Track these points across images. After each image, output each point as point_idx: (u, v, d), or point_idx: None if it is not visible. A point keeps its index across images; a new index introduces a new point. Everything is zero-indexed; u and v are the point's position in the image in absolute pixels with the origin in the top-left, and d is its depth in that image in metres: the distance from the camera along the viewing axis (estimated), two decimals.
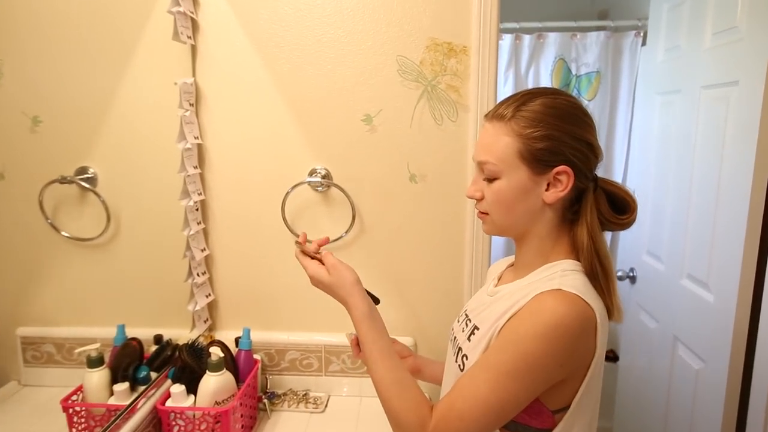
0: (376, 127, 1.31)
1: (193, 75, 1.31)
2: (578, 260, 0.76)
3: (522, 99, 0.76)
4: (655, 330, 1.79)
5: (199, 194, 1.33)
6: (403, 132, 1.31)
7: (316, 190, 1.34)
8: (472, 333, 0.79)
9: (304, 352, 1.41)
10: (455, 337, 0.86)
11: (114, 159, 1.08)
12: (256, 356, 1.37)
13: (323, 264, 0.86)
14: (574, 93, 2.28)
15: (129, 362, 1.10)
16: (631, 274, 2.00)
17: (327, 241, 0.91)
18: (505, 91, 2.26)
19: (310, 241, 0.93)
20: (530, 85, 2.30)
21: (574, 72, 2.26)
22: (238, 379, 1.23)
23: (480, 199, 0.80)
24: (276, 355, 1.42)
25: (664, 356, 1.71)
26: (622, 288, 2.19)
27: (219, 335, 1.41)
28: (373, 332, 0.80)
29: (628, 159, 2.28)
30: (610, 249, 2.40)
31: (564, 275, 0.73)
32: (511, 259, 0.91)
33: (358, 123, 1.31)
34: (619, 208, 0.78)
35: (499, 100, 0.83)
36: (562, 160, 0.74)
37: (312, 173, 1.33)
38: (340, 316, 1.40)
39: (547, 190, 0.75)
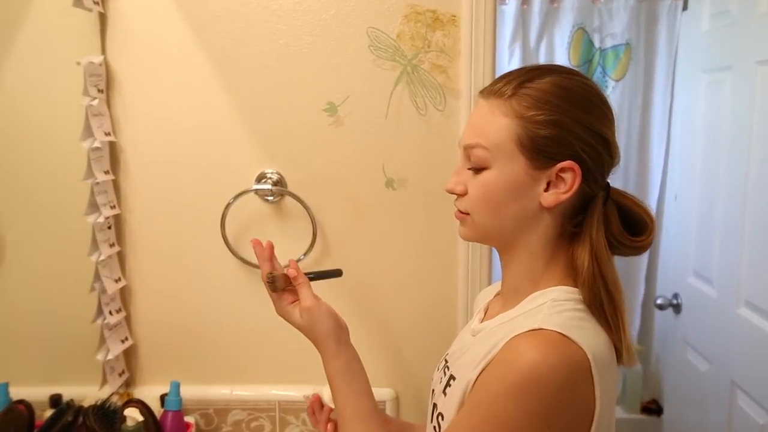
0: (342, 119, 1.30)
1: (103, 52, 1.29)
2: (575, 286, 0.76)
3: (528, 74, 0.76)
4: (708, 373, 1.79)
5: (112, 207, 1.31)
6: (376, 125, 1.31)
7: (266, 200, 1.33)
8: (448, 385, 0.80)
9: (252, 412, 1.39)
10: (433, 390, 0.87)
11: None
12: (189, 419, 1.35)
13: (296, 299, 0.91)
14: (598, 71, 2.29)
15: None
16: (674, 301, 2.00)
17: (296, 270, 0.93)
18: (498, 70, 2.27)
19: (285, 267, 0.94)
20: (542, 63, 2.31)
21: (597, 45, 2.28)
22: None
23: (461, 194, 0.80)
24: (215, 416, 1.39)
25: (719, 407, 1.71)
26: (664, 319, 2.19)
27: (139, 393, 1.38)
28: (347, 390, 0.84)
29: (668, 156, 2.29)
30: (648, 269, 2.42)
31: (552, 308, 0.73)
32: (497, 288, 0.91)
33: (318, 114, 1.30)
34: (632, 227, 0.78)
35: None
36: (569, 155, 0.74)
37: (261, 179, 1.32)
38: (300, 363, 1.39)
39: (546, 190, 0.76)
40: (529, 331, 0.69)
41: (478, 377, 0.72)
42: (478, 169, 0.77)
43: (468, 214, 0.80)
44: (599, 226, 0.76)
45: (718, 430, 1.71)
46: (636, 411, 2.51)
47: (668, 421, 2.12)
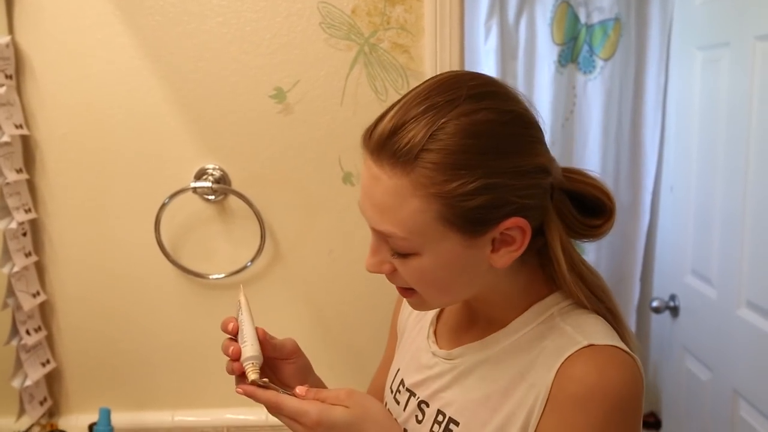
0: (292, 106, 1.29)
1: (10, 32, 1.25)
2: (559, 289, 0.77)
3: (425, 122, 0.66)
4: (709, 383, 1.80)
5: (27, 211, 1.28)
6: (331, 112, 1.30)
7: (207, 199, 1.32)
8: (448, 430, 0.77)
9: None
10: (405, 430, 0.83)
11: None
12: None
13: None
14: (584, 50, 2.30)
15: None
16: (671, 303, 2.01)
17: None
18: (487, 50, 2.27)
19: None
20: (522, 43, 2.32)
21: (583, 20, 2.28)
22: None
23: (392, 273, 0.75)
24: None
25: (722, 419, 1.72)
26: (661, 323, 2.20)
27: (64, 423, 1.36)
28: None
29: (663, 143, 2.30)
30: (644, 269, 2.43)
31: (568, 317, 0.74)
32: None
33: (264, 101, 1.29)
34: (589, 209, 0.76)
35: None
36: (511, 211, 0.69)
37: (201, 176, 1.31)
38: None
39: (494, 251, 0.71)
40: (579, 351, 0.69)
41: (537, 425, 0.70)
42: (403, 255, 0.71)
43: (412, 289, 0.75)
44: (564, 241, 0.74)
45: None
46: None
47: None
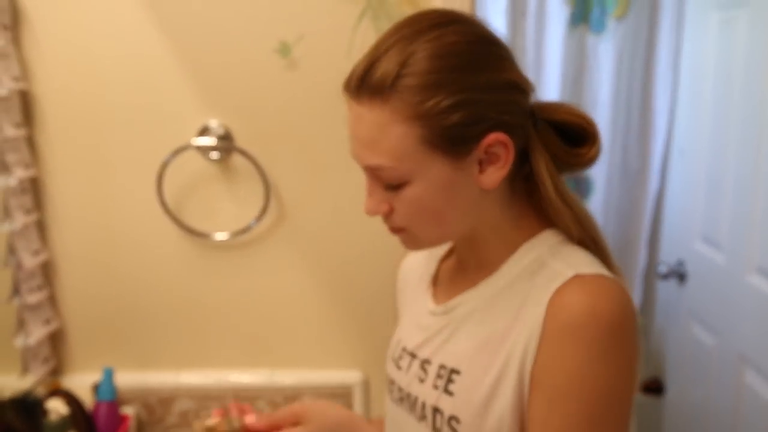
0: (297, 61, 1.27)
1: None
2: (553, 226, 0.79)
3: (392, 56, 0.70)
4: (715, 348, 1.80)
5: (27, 167, 1.27)
6: (337, 67, 1.22)
7: (210, 158, 1.30)
8: (450, 381, 0.77)
9: (202, 401, 1.39)
10: (409, 394, 0.83)
11: None
12: (129, 410, 1.34)
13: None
14: (596, 10, 2.25)
15: None
16: (679, 269, 2.00)
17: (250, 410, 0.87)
18: (496, 8, 2.22)
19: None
20: (533, 1, 2.27)
21: None
22: None
23: (389, 214, 0.77)
24: (158, 406, 1.39)
25: (727, 384, 1.73)
26: (667, 289, 2.20)
27: (68, 381, 1.36)
28: None
29: (674, 105, 2.27)
30: (651, 233, 2.42)
31: (558, 252, 0.76)
32: (440, 252, 0.91)
33: (269, 55, 1.27)
34: (573, 139, 0.78)
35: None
36: (489, 127, 0.71)
37: (203, 133, 1.29)
38: (255, 344, 1.37)
39: (481, 172, 0.74)
40: (567, 282, 0.71)
41: (533, 365, 0.71)
42: (396, 186, 0.74)
43: (404, 229, 0.78)
44: (548, 164, 0.76)
45: (724, 410, 1.73)
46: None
47: (671, 401, 2.14)
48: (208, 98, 1.29)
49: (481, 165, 0.73)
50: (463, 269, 0.84)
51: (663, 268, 2.04)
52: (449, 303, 0.82)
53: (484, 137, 0.71)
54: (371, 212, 0.77)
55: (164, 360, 1.39)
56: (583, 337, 0.68)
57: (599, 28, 2.26)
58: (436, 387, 0.78)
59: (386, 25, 1.24)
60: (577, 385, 0.68)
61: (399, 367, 0.86)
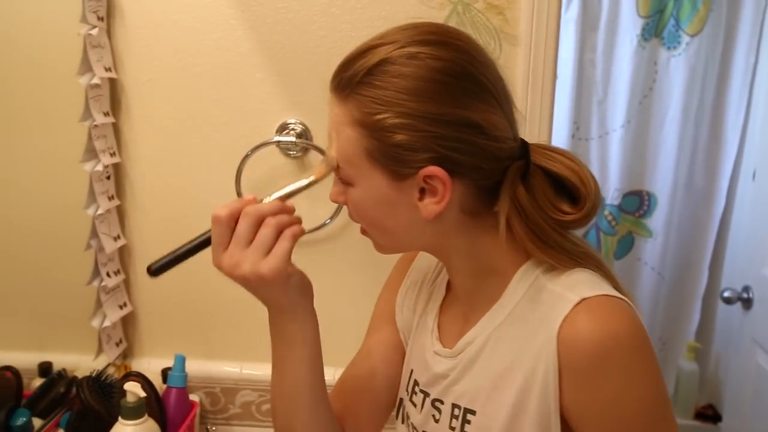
0: None
1: None
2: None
3: (371, 57, 0.71)
4: None
5: (112, 155, 1.30)
6: None
7: (288, 154, 1.32)
8: (466, 421, 0.78)
9: (264, 393, 1.40)
10: (417, 428, 0.85)
11: None
12: (193, 397, 1.36)
13: None
14: (670, 24, 2.23)
15: (0, 402, 1.07)
16: (744, 295, 1.96)
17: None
18: (567, 19, 2.21)
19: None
20: (605, 13, 2.26)
21: None
22: (166, 431, 1.20)
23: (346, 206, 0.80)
24: (222, 396, 1.40)
25: None
26: (729, 315, 2.16)
27: (137, 365, 1.39)
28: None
29: (746, 126, 2.23)
30: (714, 257, 2.38)
31: (553, 277, 0.74)
32: (445, 278, 0.90)
33: None
34: (568, 194, 0.75)
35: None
36: (431, 159, 0.70)
37: (282, 130, 1.30)
38: (321, 340, 1.38)
39: (420, 199, 0.73)
40: (573, 309, 0.69)
41: (560, 397, 0.70)
42: (346, 184, 0.76)
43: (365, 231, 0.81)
44: (522, 203, 0.72)
45: None
46: (689, 416, 2.50)
47: (727, 429, 2.10)
48: (289, 96, 1.30)
49: (421, 193, 0.72)
50: (462, 304, 0.84)
51: (727, 293, 2.00)
52: (456, 347, 0.81)
53: (424, 167, 0.70)
54: (332, 198, 0.80)
55: (230, 351, 1.40)
56: (613, 366, 0.68)
57: (672, 43, 2.24)
58: (452, 428, 0.79)
59: (470, 32, 1.25)
60: (628, 414, 0.69)
61: (413, 403, 0.87)
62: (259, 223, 0.74)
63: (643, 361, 0.69)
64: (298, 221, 0.77)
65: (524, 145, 0.76)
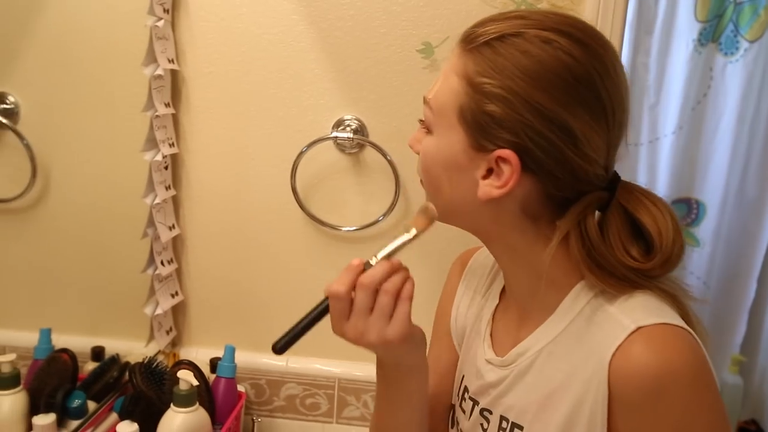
0: (439, 63, 1.27)
1: None
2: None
3: (507, 26, 0.70)
4: None
5: (171, 145, 1.32)
6: None
7: (344, 151, 1.32)
8: None
9: (308, 387, 1.41)
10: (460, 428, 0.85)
11: (45, 86, 1.05)
12: (240, 388, 1.37)
13: None
14: (729, 29, 2.17)
15: (57, 384, 1.09)
16: None
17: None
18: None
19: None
20: (661, 16, 2.22)
21: None
22: (214, 421, 1.21)
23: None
24: (267, 388, 1.42)
25: None
26: None
27: (185, 353, 1.41)
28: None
29: None
30: (764, 268, 2.33)
31: (618, 297, 0.71)
32: (499, 286, 0.89)
33: (412, 55, 1.28)
34: (643, 241, 0.72)
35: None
36: (512, 142, 0.69)
37: (339, 126, 1.31)
38: None
39: (484, 178, 0.72)
40: (628, 338, 0.66)
41: (609, 426, 0.68)
42: (426, 130, 0.76)
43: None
44: (575, 229, 0.70)
45: None
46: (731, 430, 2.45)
47: None
48: (347, 92, 1.30)
49: (488, 172, 0.71)
50: (517, 311, 0.82)
51: None
52: (508, 356, 0.79)
53: (502, 148, 0.69)
54: (410, 142, 0.80)
55: None
56: (669, 403, 0.65)
57: (730, 49, 2.19)
58: None
59: None
60: None
61: (463, 410, 0.86)
62: (375, 291, 0.73)
63: (702, 398, 0.66)
64: (407, 275, 0.75)
65: (614, 179, 0.73)
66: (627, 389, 0.65)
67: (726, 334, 2.42)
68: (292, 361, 1.41)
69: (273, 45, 1.30)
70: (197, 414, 1.13)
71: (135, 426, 1.09)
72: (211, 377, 1.29)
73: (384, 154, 1.29)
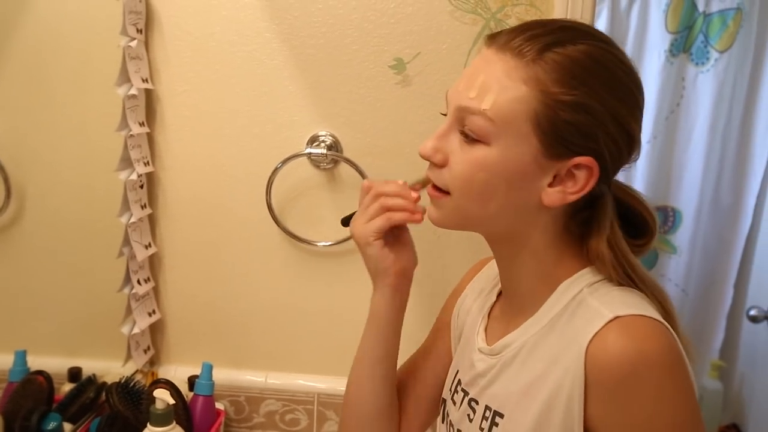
0: (411, 78, 1.28)
1: None
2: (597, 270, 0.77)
3: (555, 34, 0.70)
4: None
5: (146, 164, 1.32)
6: (450, 85, 1.24)
7: (319, 166, 1.33)
8: (494, 423, 0.78)
9: (287, 403, 1.41)
10: (459, 431, 0.85)
11: (19, 106, 1.06)
12: (219, 405, 1.37)
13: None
14: (699, 39, 2.22)
15: (32, 407, 1.09)
16: None
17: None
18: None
19: None
20: (633, 29, 2.25)
21: (701, 9, 2.19)
22: None
23: (440, 166, 0.76)
24: (246, 405, 1.42)
25: None
26: (754, 333, 2.14)
27: (164, 372, 1.40)
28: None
29: None
30: (740, 274, 2.36)
31: (596, 291, 0.74)
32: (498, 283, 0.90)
33: (383, 70, 1.29)
34: (632, 228, 0.78)
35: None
36: (591, 149, 0.70)
37: (313, 142, 1.32)
38: (343, 353, 1.38)
39: (551, 185, 0.72)
40: (605, 326, 0.68)
41: (585, 412, 0.70)
42: (472, 140, 0.72)
43: (448, 193, 0.75)
44: (613, 224, 0.75)
45: None
46: None
47: None
48: (321, 108, 1.31)
49: (555, 179, 0.71)
50: (510, 306, 0.84)
51: (754, 312, 1.98)
52: (496, 345, 0.81)
53: (580, 155, 0.70)
54: (424, 152, 0.76)
55: (255, 360, 1.41)
56: (641, 388, 0.66)
57: (701, 59, 2.23)
58: (482, 429, 0.79)
59: None
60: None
61: (454, 401, 0.88)
62: (377, 197, 0.84)
63: (675, 385, 0.67)
64: (411, 209, 0.82)
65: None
66: (602, 375, 0.67)
67: (705, 340, 2.45)
68: (271, 377, 1.41)
69: (247, 63, 1.30)
70: None
71: None
72: (190, 395, 1.29)
73: (358, 170, 1.29)
